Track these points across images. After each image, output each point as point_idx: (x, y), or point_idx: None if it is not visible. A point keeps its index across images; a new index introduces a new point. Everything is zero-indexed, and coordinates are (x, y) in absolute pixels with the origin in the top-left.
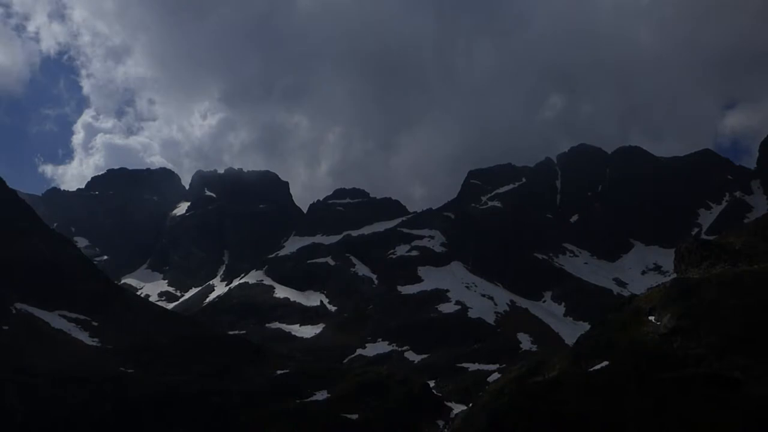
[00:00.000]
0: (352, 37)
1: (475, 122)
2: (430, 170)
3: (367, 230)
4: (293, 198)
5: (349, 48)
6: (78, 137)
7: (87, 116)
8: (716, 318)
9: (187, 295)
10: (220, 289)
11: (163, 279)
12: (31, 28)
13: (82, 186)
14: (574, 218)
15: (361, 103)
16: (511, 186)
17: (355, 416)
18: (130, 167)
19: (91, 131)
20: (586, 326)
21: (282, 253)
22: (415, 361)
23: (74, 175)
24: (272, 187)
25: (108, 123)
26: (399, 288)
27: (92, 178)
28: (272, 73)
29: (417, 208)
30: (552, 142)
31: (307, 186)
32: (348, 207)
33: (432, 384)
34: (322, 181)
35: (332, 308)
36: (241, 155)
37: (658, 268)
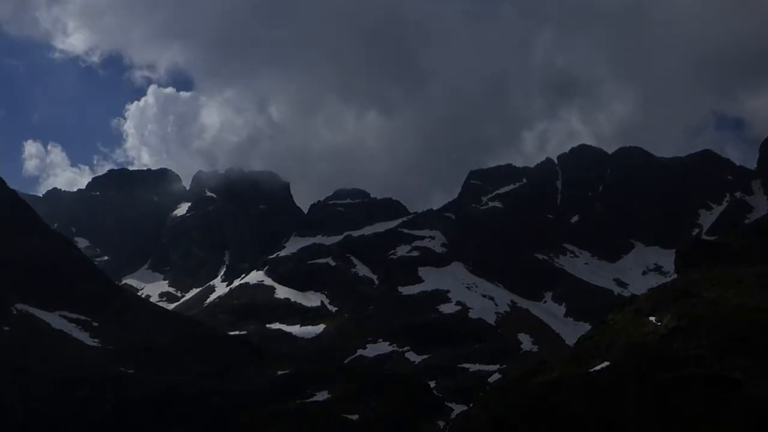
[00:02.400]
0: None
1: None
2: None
3: (367, 230)
4: (293, 197)
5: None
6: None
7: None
8: (716, 318)
9: (188, 296)
10: (220, 289)
11: (164, 279)
12: None
13: (83, 186)
14: (575, 218)
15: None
16: (511, 186)
17: (355, 416)
18: (130, 168)
19: None
20: (587, 327)
21: (283, 253)
22: (416, 362)
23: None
24: (272, 187)
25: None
26: (399, 288)
27: (93, 178)
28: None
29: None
30: (548, 142)
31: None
32: (348, 207)
33: (432, 384)
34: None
35: (333, 309)
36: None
37: (658, 269)
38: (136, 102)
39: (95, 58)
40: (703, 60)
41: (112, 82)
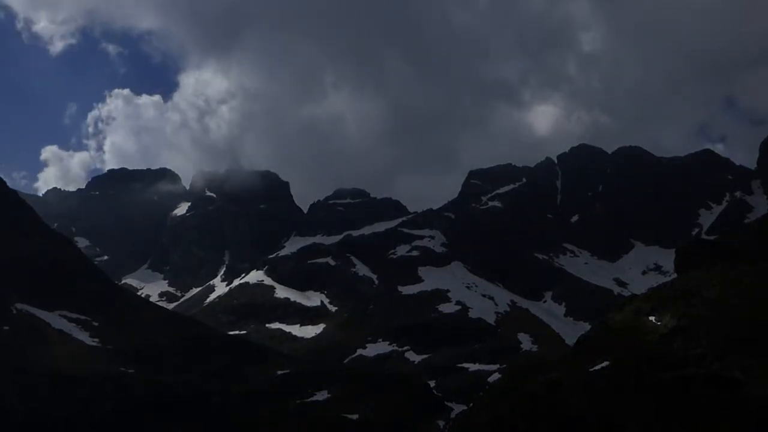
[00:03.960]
0: None
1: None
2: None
3: (367, 230)
4: (293, 197)
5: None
6: None
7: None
8: (716, 318)
9: (188, 295)
10: (220, 289)
11: (164, 279)
12: None
13: (83, 186)
14: (575, 218)
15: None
16: (511, 186)
17: (355, 416)
18: (129, 167)
19: None
20: (587, 326)
21: (282, 253)
22: (416, 361)
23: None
24: (272, 187)
25: None
26: (399, 288)
27: (92, 178)
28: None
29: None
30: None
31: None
32: (348, 207)
33: (432, 384)
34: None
35: (333, 308)
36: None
37: (658, 268)
38: (115, 90)
39: (65, 36)
40: (703, 59)
41: (83, 65)
